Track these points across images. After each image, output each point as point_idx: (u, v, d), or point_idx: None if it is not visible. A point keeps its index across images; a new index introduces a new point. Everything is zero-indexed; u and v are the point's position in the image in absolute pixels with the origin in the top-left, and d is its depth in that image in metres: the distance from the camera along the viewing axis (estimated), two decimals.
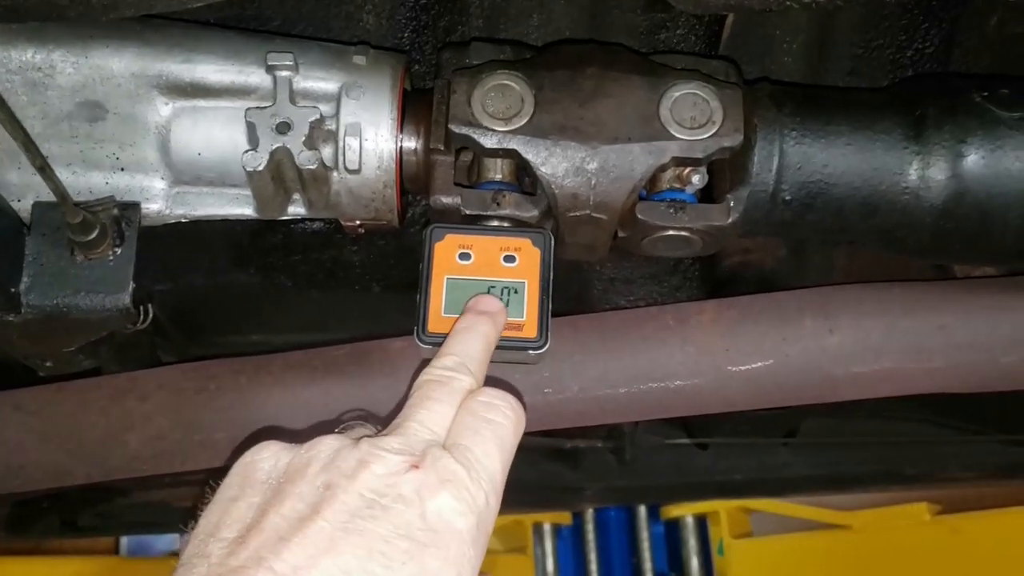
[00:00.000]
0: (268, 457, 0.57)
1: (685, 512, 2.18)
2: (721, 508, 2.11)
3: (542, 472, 1.55)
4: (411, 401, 0.61)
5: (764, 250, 1.03)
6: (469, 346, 0.66)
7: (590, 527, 2.27)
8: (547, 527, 2.24)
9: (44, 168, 0.65)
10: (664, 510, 2.21)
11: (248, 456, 0.58)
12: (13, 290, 0.73)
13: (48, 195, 0.73)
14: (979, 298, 0.87)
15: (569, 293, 1.11)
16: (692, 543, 2.21)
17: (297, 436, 0.61)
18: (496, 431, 0.59)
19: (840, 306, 0.87)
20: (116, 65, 0.77)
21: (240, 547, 0.51)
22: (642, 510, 2.25)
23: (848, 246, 1.06)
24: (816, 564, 2.08)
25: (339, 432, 0.62)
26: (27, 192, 0.78)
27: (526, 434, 0.95)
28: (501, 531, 2.25)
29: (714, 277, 1.08)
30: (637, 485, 1.59)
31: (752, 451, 1.52)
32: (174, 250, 1.02)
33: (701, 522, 2.20)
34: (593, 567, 2.26)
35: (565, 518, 2.26)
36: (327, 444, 0.56)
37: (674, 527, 2.23)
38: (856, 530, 2.02)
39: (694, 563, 2.20)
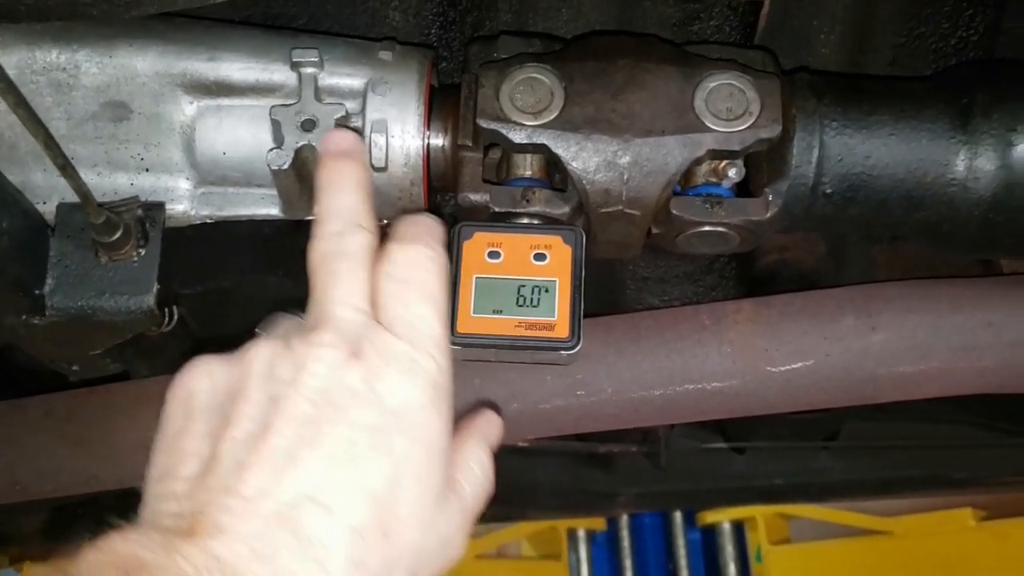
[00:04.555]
0: (202, 378, 0.55)
1: (722, 518, 2.15)
2: (759, 514, 2.07)
3: (575, 477, 1.53)
4: (318, 281, 0.57)
5: (802, 248, 1.00)
6: (346, 197, 0.60)
7: (625, 533, 2.24)
8: (581, 533, 2.22)
9: (66, 167, 0.64)
10: (700, 516, 2.18)
11: (181, 382, 0.55)
12: (38, 292, 0.72)
13: (73, 197, 0.72)
14: None
15: (601, 293, 1.09)
16: (729, 549, 2.17)
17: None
18: (422, 289, 0.57)
19: (883, 303, 0.84)
20: (140, 64, 0.76)
21: (204, 478, 0.50)
22: (678, 516, 2.21)
23: (890, 243, 1.03)
24: (857, 571, 2.04)
25: (260, 329, 0.59)
26: (52, 194, 0.77)
27: (558, 438, 0.93)
28: (535, 537, 2.23)
29: (751, 276, 1.05)
30: (672, 490, 1.57)
31: (791, 455, 1.49)
32: (203, 253, 1.01)
33: (738, 528, 2.16)
34: (629, 574, 2.23)
35: (600, 524, 2.23)
36: (260, 354, 0.53)
37: (711, 533, 2.20)
38: (898, 536, 1.98)
39: (731, 570, 2.16)
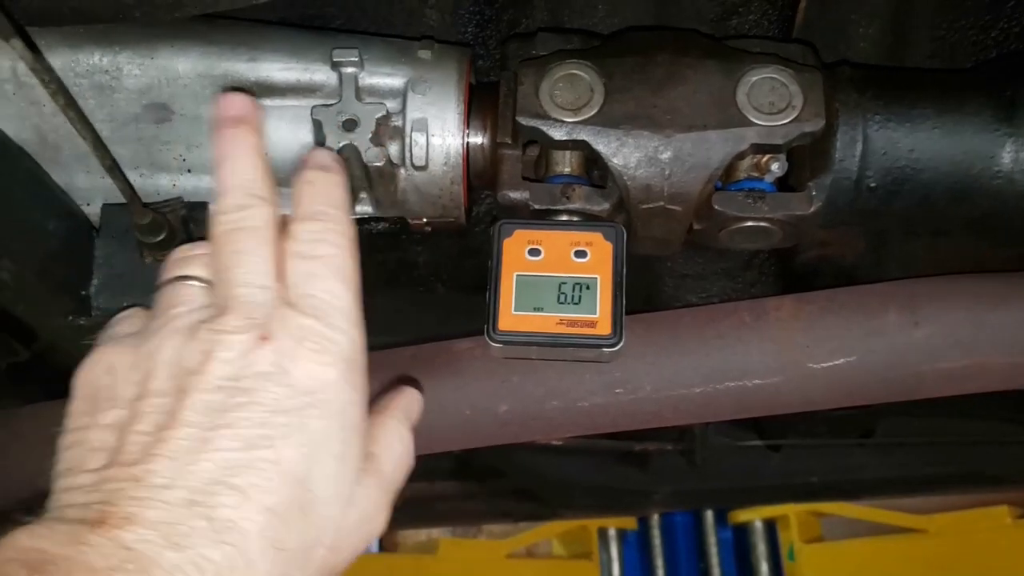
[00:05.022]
0: (104, 373, 0.53)
1: (754, 517, 2.14)
2: (791, 512, 2.06)
3: (610, 475, 1.53)
4: (222, 259, 0.55)
5: (843, 243, 0.99)
6: (243, 169, 0.57)
7: (656, 532, 2.24)
8: (612, 532, 2.22)
9: (113, 168, 0.65)
10: (732, 515, 2.17)
11: (85, 372, 0.54)
12: (84, 293, 0.73)
13: (116, 198, 0.73)
14: None
15: (639, 291, 1.09)
16: (761, 548, 2.16)
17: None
18: (329, 263, 0.55)
19: (926, 299, 0.83)
20: (181, 66, 0.76)
21: (111, 469, 0.48)
22: (709, 515, 2.21)
23: (932, 238, 1.02)
24: (891, 569, 2.03)
25: (164, 287, 0.57)
26: (96, 195, 0.78)
27: (593, 436, 0.93)
28: (566, 536, 2.23)
29: (791, 272, 1.05)
30: (708, 488, 1.56)
31: (827, 453, 1.48)
32: None
33: (770, 526, 2.15)
34: (660, 573, 2.23)
35: (631, 523, 2.23)
36: (165, 344, 0.52)
37: (743, 532, 2.19)
38: (933, 534, 1.96)
39: (764, 569, 2.15)
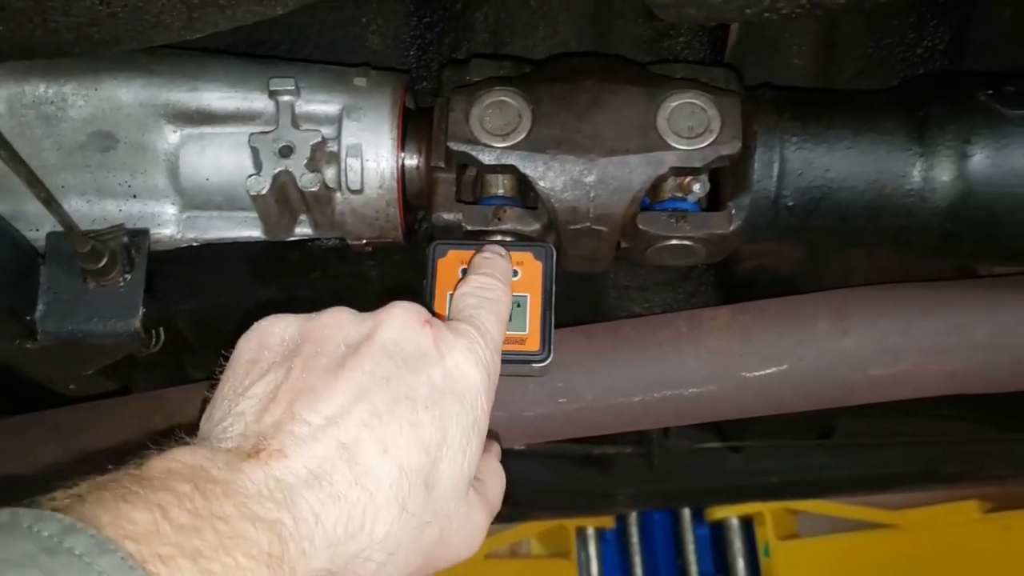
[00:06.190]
0: (279, 323, 0.59)
1: (730, 514, 2.16)
2: (766, 509, 2.09)
3: (573, 479, 1.55)
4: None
5: (780, 254, 1.02)
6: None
7: (634, 530, 2.26)
8: (590, 531, 2.24)
9: (50, 202, 0.67)
10: (708, 512, 2.20)
11: (259, 324, 0.60)
12: (29, 318, 0.76)
13: None
14: (1000, 296, 0.85)
15: (585, 302, 1.11)
16: (738, 545, 2.19)
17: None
18: (493, 306, 0.65)
19: (855, 308, 0.86)
20: (125, 96, 0.79)
21: (272, 403, 0.53)
22: (686, 512, 2.23)
23: (866, 248, 1.04)
24: (864, 564, 2.06)
25: None
26: (44, 221, 0.80)
27: (554, 441, 0.95)
28: (544, 535, 2.26)
29: (730, 282, 1.07)
30: (669, 489, 1.58)
31: (786, 453, 1.50)
32: (198, 270, 1.04)
33: (747, 523, 2.18)
34: (638, 570, 2.25)
35: (608, 522, 2.25)
36: (339, 313, 0.59)
37: (719, 529, 2.22)
38: (904, 529, 1.99)
39: (740, 565, 2.18)
